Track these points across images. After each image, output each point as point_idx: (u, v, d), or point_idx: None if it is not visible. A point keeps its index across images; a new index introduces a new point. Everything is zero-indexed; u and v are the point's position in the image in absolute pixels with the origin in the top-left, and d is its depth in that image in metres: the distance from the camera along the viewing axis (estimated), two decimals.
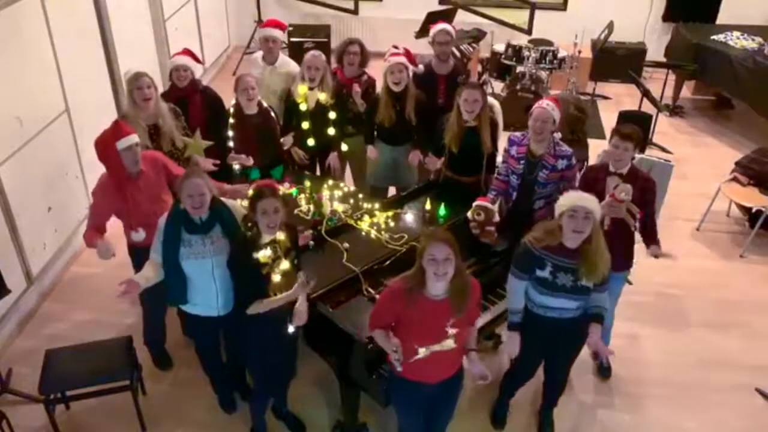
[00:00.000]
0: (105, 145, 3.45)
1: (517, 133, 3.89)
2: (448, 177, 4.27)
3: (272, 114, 4.36)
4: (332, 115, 4.50)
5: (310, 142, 4.56)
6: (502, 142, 4.36)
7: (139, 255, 3.60)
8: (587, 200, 2.97)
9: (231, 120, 4.21)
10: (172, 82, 4.37)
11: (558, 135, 3.93)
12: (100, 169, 3.61)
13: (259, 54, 4.87)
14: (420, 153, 4.54)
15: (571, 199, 2.99)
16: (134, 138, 3.47)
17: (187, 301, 3.27)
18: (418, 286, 2.70)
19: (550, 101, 3.72)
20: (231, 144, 4.23)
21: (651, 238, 3.65)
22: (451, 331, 2.72)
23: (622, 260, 3.63)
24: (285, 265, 3.08)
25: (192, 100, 4.35)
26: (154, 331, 4.02)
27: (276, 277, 3.05)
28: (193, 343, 3.77)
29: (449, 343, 2.74)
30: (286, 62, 4.85)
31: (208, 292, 3.22)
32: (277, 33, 4.79)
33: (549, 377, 3.60)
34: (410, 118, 4.38)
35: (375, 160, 4.64)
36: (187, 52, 4.42)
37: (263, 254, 3.00)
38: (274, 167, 4.39)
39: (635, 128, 3.54)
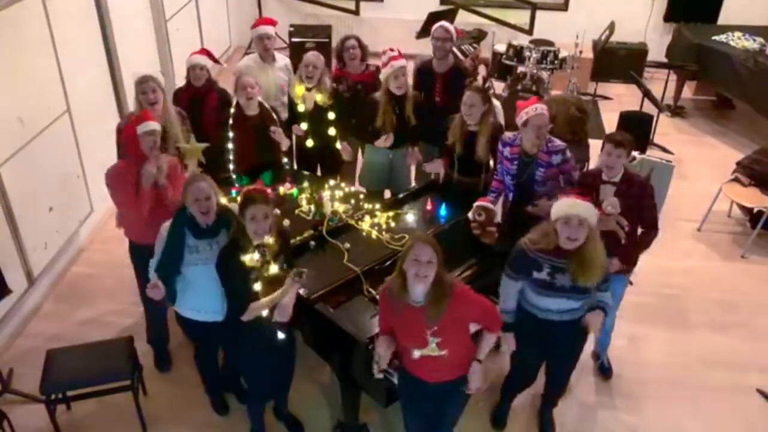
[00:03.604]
0: (129, 131, 3.53)
1: (509, 134, 3.86)
2: (452, 177, 4.28)
3: (273, 116, 4.35)
4: (331, 115, 4.50)
5: (309, 143, 4.56)
6: None
7: (139, 254, 3.61)
8: (580, 207, 2.93)
9: (230, 120, 4.21)
10: (188, 81, 4.38)
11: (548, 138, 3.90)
12: (102, 168, 3.62)
13: (250, 57, 4.90)
14: (418, 153, 4.55)
15: (564, 206, 2.96)
16: (154, 125, 3.48)
17: (175, 298, 3.26)
18: (400, 290, 2.72)
19: (539, 105, 3.66)
20: (230, 145, 4.21)
21: (632, 250, 3.53)
22: (432, 339, 2.72)
23: (623, 261, 3.62)
24: (273, 269, 3.05)
25: (207, 99, 4.38)
26: (156, 330, 4.03)
27: (257, 285, 3.00)
28: (194, 345, 3.77)
29: (434, 350, 2.74)
30: (281, 57, 4.95)
31: (212, 298, 3.21)
32: (272, 30, 4.82)
33: (550, 380, 3.60)
34: (410, 120, 4.38)
35: (369, 164, 4.65)
36: (205, 51, 4.44)
37: (249, 258, 2.97)
38: (265, 170, 4.32)
39: (625, 134, 3.51)
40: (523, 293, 3.21)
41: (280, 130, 4.28)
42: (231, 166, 4.24)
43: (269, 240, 3.03)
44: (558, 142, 3.75)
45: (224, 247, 3.05)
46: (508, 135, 3.85)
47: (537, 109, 3.64)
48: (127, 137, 3.56)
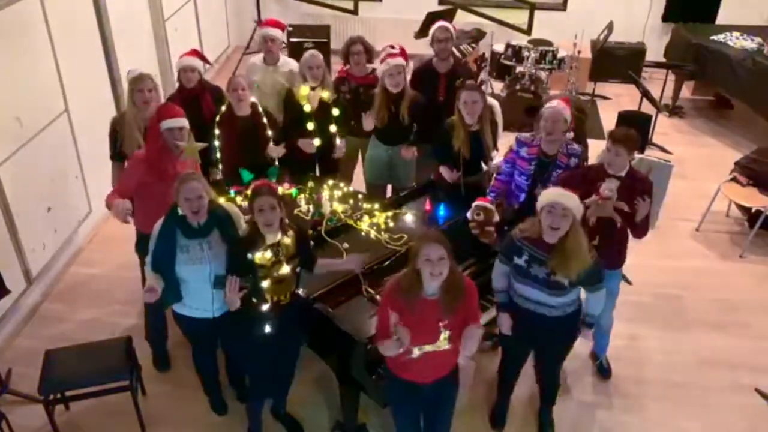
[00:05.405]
0: (152, 123, 3.52)
1: (526, 134, 3.87)
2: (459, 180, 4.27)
3: (264, 119, 4.33)
4: (335, 111, 4.49)
5: (316, 142, 4.54)
6: (502, 143, 4.36)
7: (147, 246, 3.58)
8: (566, 197, 2.97)
9: (217, 119, 4.19)
10: (181, 83, 4.36)
11: (570, 135, 3.90)
12: (100, 168, 3.61)
13: (259, 56, 4.87)
14: (415, 150, 4.53)
15: (550, 195, 3.01)
16: (181, 122, 3.48)
17: (181, 298, 3.23)
18: (415, 286, 2.74)
19: (561, 101, 3.70)
20: (216, 143, 4.18)
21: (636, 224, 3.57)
22: (444, 331, 2.74)
23: (615, 257, 3.64)
24: (285, 270, 3.05)
25: (204, 99, 4.36)
26: (156, 328, 4.02)
27: (265, 282, 3.02)
28: (190, 343, 3.76)
29: (443, 343, 2.76)
30: (287, 62, 4.86)
31: (203, 296, 3.21)
32: (277, 32, 4.78)
33: (540, 376, 3.63)
34: (403, 119, 4.37)
35: (370, 158, 4.67)
36: (195, 52, 4.42)
37: (260, 256, 2.98)
38: (265, 169, 4.31)
39: (629, 132, 3.47)
40: (509, 279, 3.27)
41: (277, 149, 4.32)
42: (220, 166, 4.23)
43: (286, 240, 3.04)
44: (575, 146, 3.78)
45: (237, 241, 3.07)
46: (525, 135, 3.86)
47: (553, 103, 3.69)
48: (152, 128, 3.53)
